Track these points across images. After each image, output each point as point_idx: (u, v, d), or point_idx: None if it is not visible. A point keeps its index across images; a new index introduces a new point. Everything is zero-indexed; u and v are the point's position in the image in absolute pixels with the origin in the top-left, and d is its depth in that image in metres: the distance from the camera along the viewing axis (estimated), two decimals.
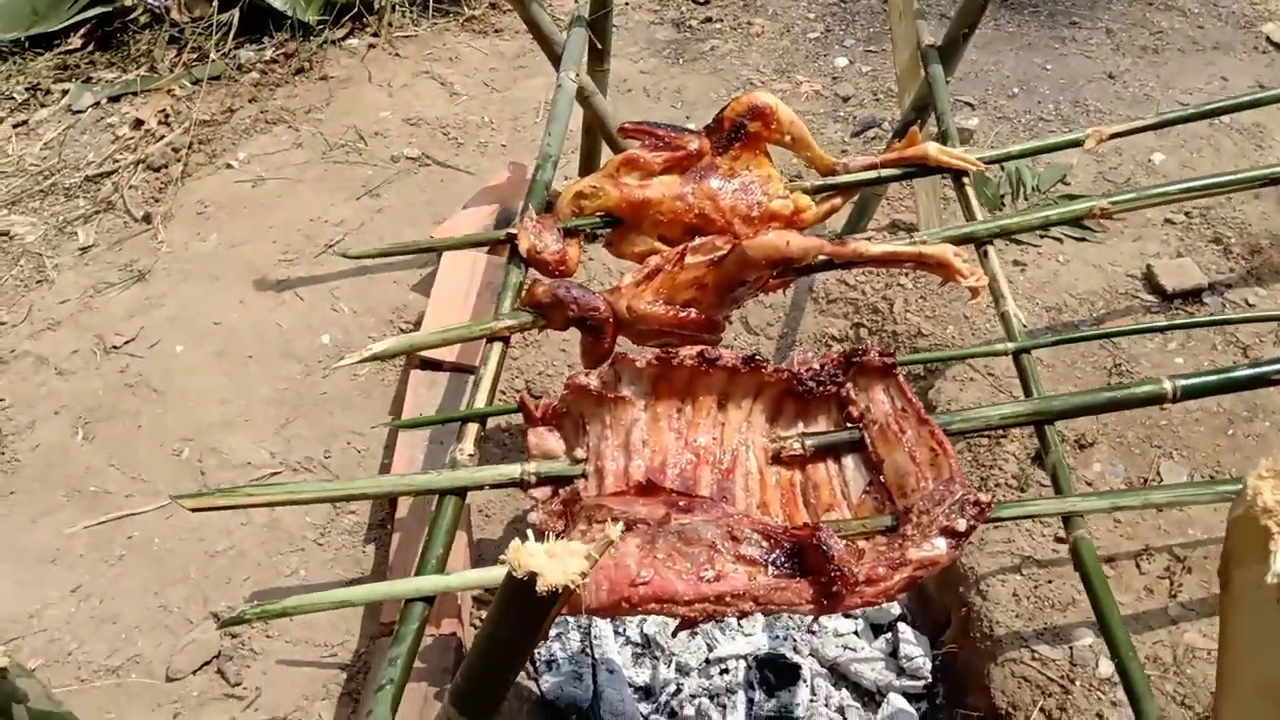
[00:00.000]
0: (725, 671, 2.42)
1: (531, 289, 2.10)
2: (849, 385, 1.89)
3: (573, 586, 1.18)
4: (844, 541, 1.66)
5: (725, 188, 2.26)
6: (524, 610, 1.25)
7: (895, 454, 1.82)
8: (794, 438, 1.88)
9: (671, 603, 1.61)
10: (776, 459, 1.87)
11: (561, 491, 1.86)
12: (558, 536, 1.81)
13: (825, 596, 1.62)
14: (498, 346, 2.10)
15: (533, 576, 1.18)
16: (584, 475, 1.85)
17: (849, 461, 1.88)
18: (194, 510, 1.78)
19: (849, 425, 1.89)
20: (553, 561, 1.20)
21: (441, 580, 1.72)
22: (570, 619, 2.48)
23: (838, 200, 2.39)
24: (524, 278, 2.19)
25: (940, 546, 1.68)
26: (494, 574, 1.66)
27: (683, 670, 2.43)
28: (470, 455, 1.93)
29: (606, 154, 3.25)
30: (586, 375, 1.88)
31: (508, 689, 1.50)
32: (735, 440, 1.85)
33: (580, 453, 1.87)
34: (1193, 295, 2.90)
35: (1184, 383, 1.91)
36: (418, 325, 2.97)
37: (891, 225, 3.36)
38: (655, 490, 1.73)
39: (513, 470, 1.88)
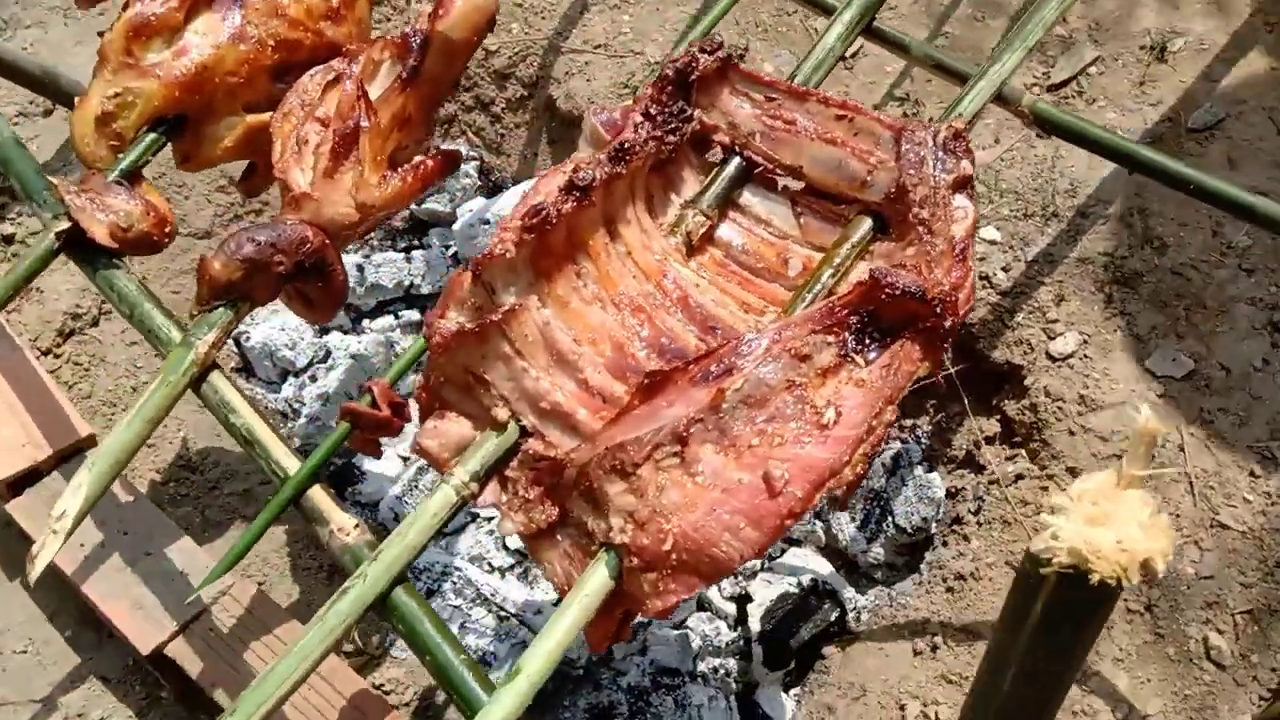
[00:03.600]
0: None
1: (210, 274, 1.34)
2: (696, 113, 1.42)
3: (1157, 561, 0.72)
4: (893, 268, 1.26)
5: None
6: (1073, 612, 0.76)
7: (804, 151, 1.40)
8: (688, 216, 1.40)
9: (832, 475, 1.15)
10: (691, 251, 1.39)
11: (519, 476, 1.27)
12: (554, 529, 1.25)
13: (939, 336, 1.24)
14: (217, 381, 1.36)
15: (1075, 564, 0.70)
16: (527, 435, 1.27)
17: (751, 199, 1.44)
18: None
19: (725, 158, 1.43)
20: (1094, 532, 0.72)
21: None
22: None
23: None
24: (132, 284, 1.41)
25: (968, 203, 1.33)
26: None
27: None
28: (356, 527, 1.26)
29: None
30: (439, 318, 1.24)
31: None
32: (654, 262, 1.34)
33: (500, 411, 1.27)
34: None
35: None
36: None
37: None
38: (665, 379, 1.21)
39: (440, 498, 1.24)
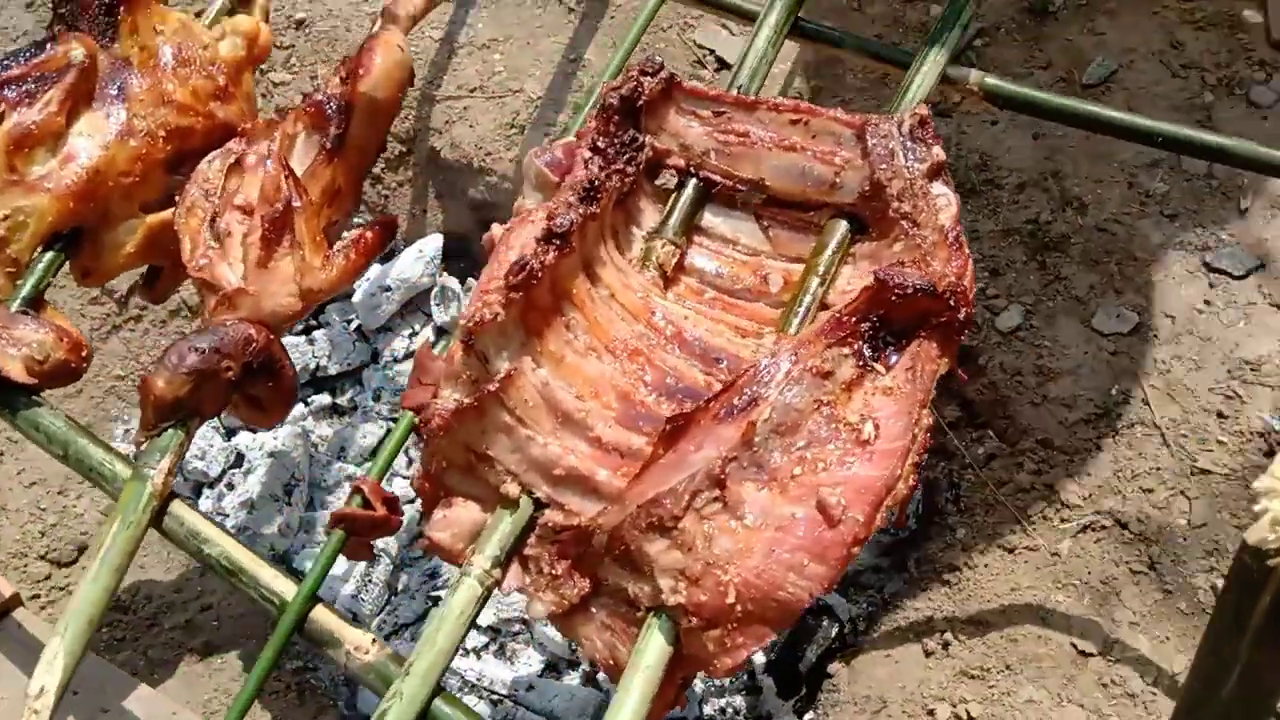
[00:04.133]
0: None
1: (155, 394, 1.21)
2: (646, 139, 1.34)
3: None
4: (897, 267, 1.20)
5: (162, 75, 1.43)
6: None
7: (763, 161, 1.34)
8: (656, 247, 1.32)
9: (888, 491, 1.09)
10: (667, 283, 1.32)
11: (541, 552, 1.16)
12: (587, 603, 1.15)
13: (954, 330, 1.19)
14: (180, 511, 1.22)
15: None
16: (543, 507, 1.17)
17: (713, 220, 1.37)
18: None
19: (681, 181, 1.36)
20: None
21: None
22: None
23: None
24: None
25: (946, 189, 1.29)
26: None
27: None
28: (374, 642, 1.14)
29: None
30: (432, 399, 1.14)
31: None
32: (638, 301, 1.26)
33: (510, 487, 1.16)
34: None
35: None
36: None
37: None
38: (688, 421, 1.12)
39: (465, 593, 1.14)
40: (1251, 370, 1.83)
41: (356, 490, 1.20)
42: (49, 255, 1.36)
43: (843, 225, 1.32)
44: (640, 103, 1.31)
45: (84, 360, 1.32)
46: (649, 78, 1.32)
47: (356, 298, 2.28)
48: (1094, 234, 1.96)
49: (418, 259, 2.25)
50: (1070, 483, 1.80)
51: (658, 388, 1.19)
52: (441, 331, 2.24)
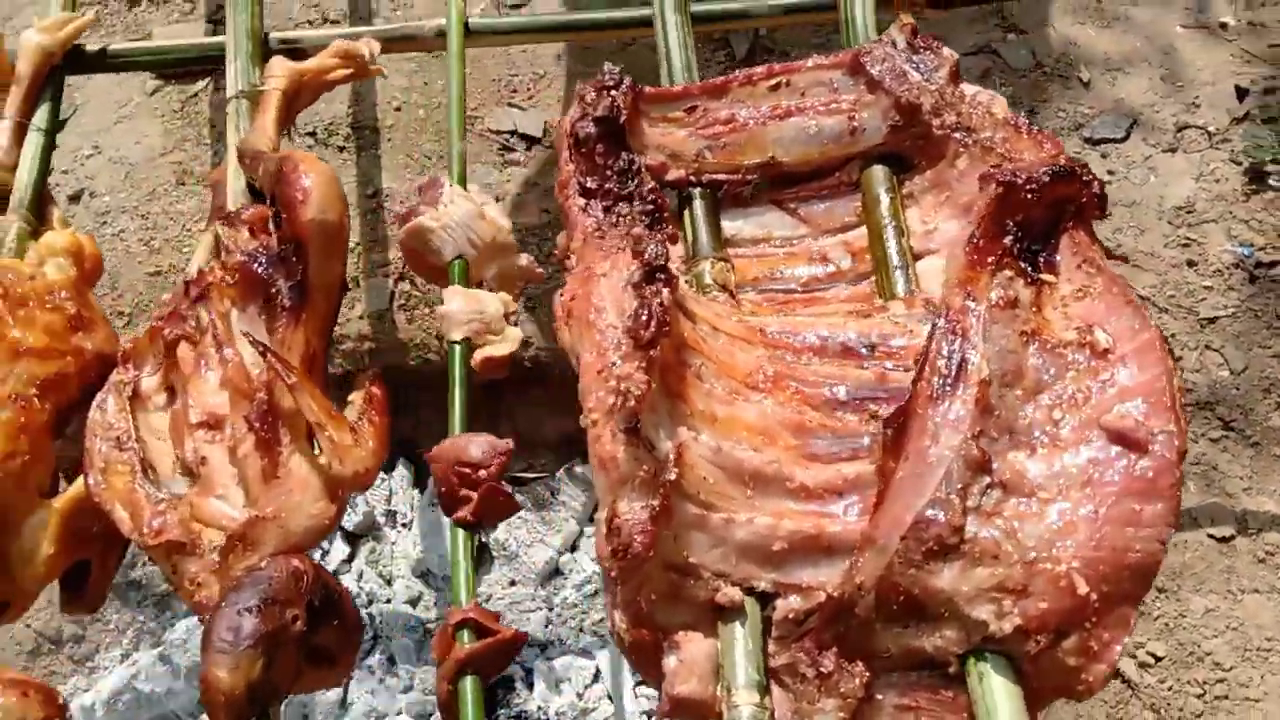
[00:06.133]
0: None
1: (223, 691, 0.86)
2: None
3: None
4: (1003, 166, 1.03)
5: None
6: None
7: (765, 139, 1.16)
8: (704, 269, 1.10)
9: (1169, 382, 0.90)
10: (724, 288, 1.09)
11: (792, 657, 0.90)
12: (871, 691, 0.90)
13: (1095, 206, 1.03)
14: None
15: None
16: (769, 600, 0.91)
17: (735, 225, 1.17)
18: None
19: (685, 194, 1.15)
20: None
21: None
22: None
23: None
24: None
25: (975, 87, 1.15)
26: None
27: None
28: None
29: None
30: (620, 518, 0.86)
31: None
32: (739, 326, 1.02)
33: (728, 592, 0.90)
34: None
35: None
36: None
37: None
38: (905, 416, 0.90)
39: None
40: (1188, 213, 1.79)
41: (461, 624, 0.91)
42: None
43: (882, 169, 1.14)
44: (622, 119, 1.08)
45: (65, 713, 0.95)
46: (616, 90, 1.10)
47: None
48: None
49: None
50: None
51: (825, 404, 0.96)
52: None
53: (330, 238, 0.99)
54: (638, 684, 1.79)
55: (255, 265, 1.00)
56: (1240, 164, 2.00)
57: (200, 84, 2.18)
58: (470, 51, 2.08)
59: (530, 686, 1.81)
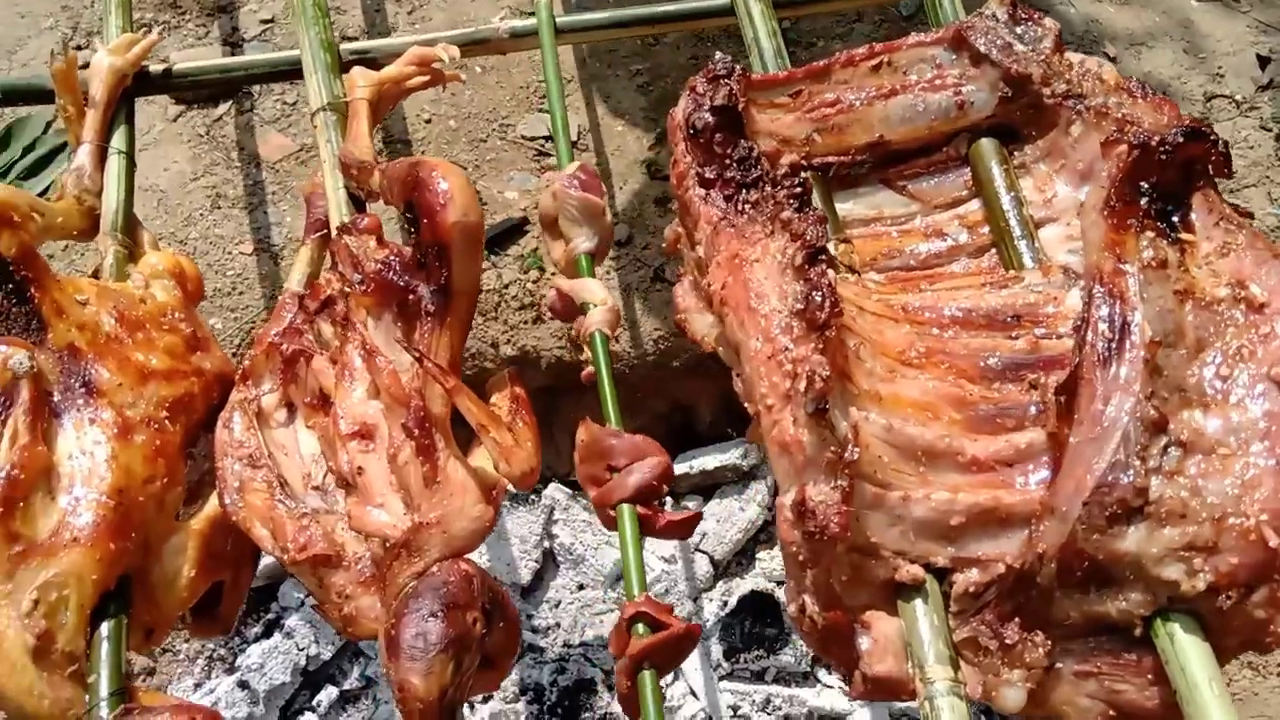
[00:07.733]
0: None
1: (418, 699, 0.84)
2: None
3: None
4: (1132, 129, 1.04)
5: (124, 348, 1.07)
6: None
7: (872, 119, 1.16)
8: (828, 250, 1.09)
9: None
10: (850, 269, 1.09)
11: (974, 631, 0.90)
12: (1053, 661, 0.90)
13: (1222, 164, 1.03)
14: None
15: None
16: (947, 576, 0.91)
17: (847, 206, 1.17)
18: None
19: (797, 178, 1.14)
20: None
21: None
22: None
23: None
24: None
25: (1080, 55, 1.15)
26: None
27: None
28: None
29: None
30: (808, 499, 0.85)
31: None
32: (881, 304, 1.02)
33: (908, 569, 0.89)
34: None
35: None
36: None
37: None
38: (1075, 380, 0.90)
39: (952, 713, 0.85)
40: (1227, 180, 1.81)
41: (635, 618, 0.90)
42: (107, 627, 0.95)
43: (991, 142, 1.14)
44: (740, 105, 1.08)
45: None
46: (728, 79, 1.09)
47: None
48: None
49: None
50: None
51: (982, 375, 0.96)
52: None
53: (472, 240, 0.98)
54: (721, 679, 1.79)
55: (390, 273, 0.99)
56: (1270, 130, 2.04)
57: (223, 107, 2.15)
58: (496, 61, 2.09)
59: (611, 689, 1.79)
